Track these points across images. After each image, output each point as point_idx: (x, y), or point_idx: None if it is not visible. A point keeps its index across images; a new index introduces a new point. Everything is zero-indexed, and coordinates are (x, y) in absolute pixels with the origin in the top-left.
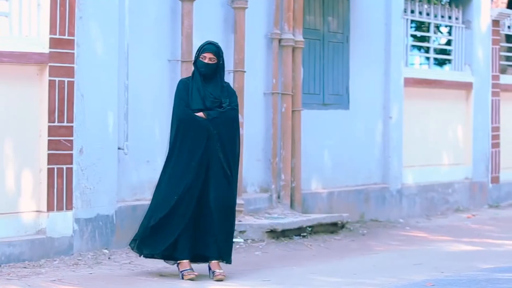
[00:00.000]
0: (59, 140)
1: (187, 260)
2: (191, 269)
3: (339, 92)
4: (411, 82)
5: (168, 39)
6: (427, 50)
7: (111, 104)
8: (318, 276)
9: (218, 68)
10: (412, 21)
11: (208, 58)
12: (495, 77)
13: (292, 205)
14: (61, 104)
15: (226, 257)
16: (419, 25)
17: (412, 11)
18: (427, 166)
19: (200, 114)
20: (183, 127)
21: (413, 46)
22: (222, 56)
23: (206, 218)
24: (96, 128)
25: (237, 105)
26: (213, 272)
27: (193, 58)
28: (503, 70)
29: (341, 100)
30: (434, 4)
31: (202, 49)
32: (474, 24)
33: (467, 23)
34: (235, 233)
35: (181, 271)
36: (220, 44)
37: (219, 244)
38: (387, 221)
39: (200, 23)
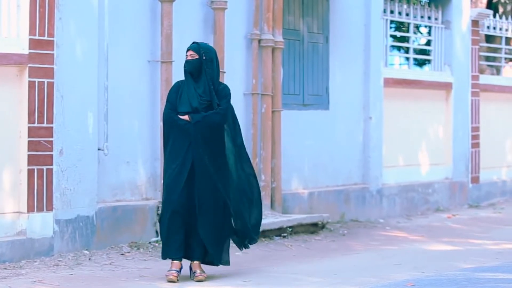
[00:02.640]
0: (39, 141)
1: (177, 261)
2: (176, 270)
3: (319, 92)
4: (391, 82)
5: (148, 40)
6: (406, 50)
7: (91, 105)
8: (299, 276)
9: (202, 64)
10: (391, 21)
11: (189, 55)
12: (474, 77)
13: (272, 206)
14: (41, 105)
15: (216, 260)
16: (399, 26)
17: (392, 12)
18: (407, 166)
19: (185, 117)
20: (166, 130)
21: (393, 46)
22: (206, 53)
23: (193, 220)
24: (76, 129)
25: (224, 109)
26: (194, 272)
27: (173, 59)
28: (482, 70)
29: (321, 101)
30: (414, 4)
31: (186, 50)
32: (453, 24)
33: (447, 23)
34: None
35: (167, 271)
36: None
37: (206, 247)
38: (368, 221)
39: (180, 23)
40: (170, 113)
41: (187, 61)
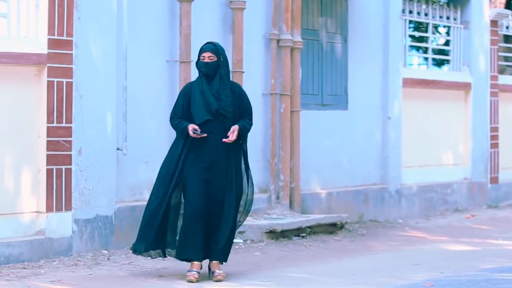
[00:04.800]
0: (58, 141)
1: (197, 262)
2: (197, 271)
3: (338, 92)
4: (409, 82)
5: (167, 40)
6: (425, 50)
7: (109, 105)
8: (317, 276)
9: (219, 67)
10: (410, 21)
11: (207, 57)
12: (493, 78)
13: (291, 206)
14: (60, 105)
15: (220, 256)
16: (418, 26)
17: (411, 12)
18: (426, 167)
19: (226, 140)
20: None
21: (412, 46)
22: (223, 54)
23: (211, 221)
24: (95, 129)
25: (251, 114)
26: (213, 272)
27: (191, 59)
28: (501, 71)
29: (340, 101)
30: (433, 4)
31: (201, 49)
32: (472, 24)
33: (466, 24)
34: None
35: (187, 271)
36: None
37: (218, 245)
38: (386, 221)
39: (199, 23)
40: (171, 120)
41: (205, 63)
